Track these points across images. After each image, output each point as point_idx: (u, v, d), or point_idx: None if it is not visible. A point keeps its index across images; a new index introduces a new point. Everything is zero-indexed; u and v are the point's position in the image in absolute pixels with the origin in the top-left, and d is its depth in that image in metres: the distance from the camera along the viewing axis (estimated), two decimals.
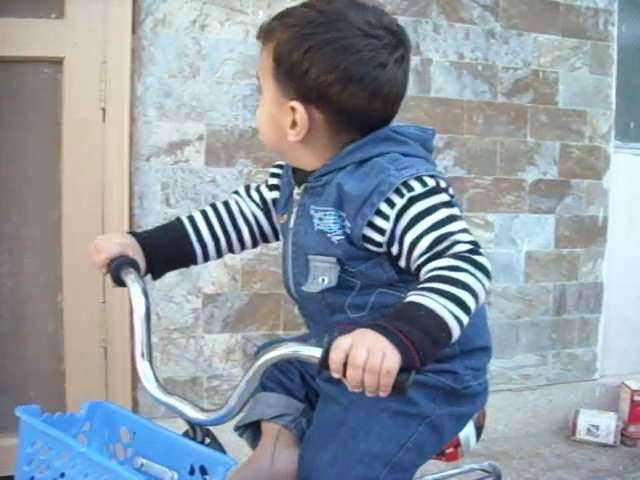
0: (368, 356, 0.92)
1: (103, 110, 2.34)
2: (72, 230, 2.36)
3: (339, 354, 0.94)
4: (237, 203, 1.44)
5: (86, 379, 2.40)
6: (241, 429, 1.44)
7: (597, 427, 2.99)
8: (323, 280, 1.22)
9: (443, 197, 1.15)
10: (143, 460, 1.13)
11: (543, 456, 2.87)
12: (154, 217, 2.40)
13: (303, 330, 2.55)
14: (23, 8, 2.27)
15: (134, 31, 2.35)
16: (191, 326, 2.50)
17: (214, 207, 1.43)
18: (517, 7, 2.87)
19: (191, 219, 1.41)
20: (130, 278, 1.23)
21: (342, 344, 0.94)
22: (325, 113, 1.19)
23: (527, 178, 2.95)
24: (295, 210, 1.28)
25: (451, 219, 1.12)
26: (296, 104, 1.18)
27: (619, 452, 2.95)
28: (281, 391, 1.41)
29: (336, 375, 0.95)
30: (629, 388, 3.08)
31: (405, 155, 1.20)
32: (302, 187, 1.27)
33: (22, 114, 2.34)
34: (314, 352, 0.97)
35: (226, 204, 1.44)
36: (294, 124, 1.19)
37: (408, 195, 1.13)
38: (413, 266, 1.13)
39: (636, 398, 3.05)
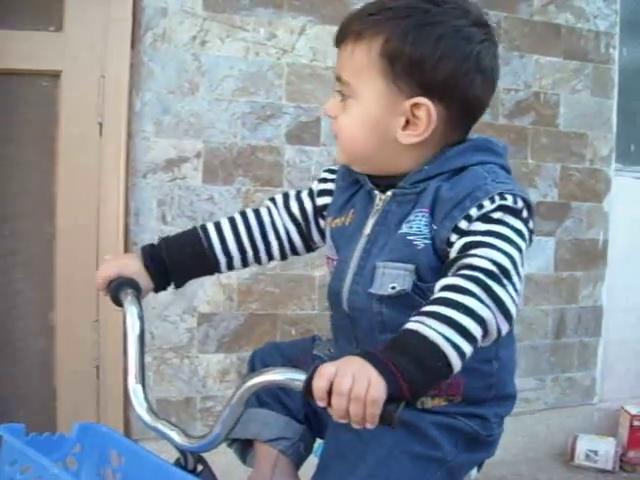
0: (353, 384, 0.87)
1: (100, 125, 2.32)
2: (66, 246, 2.32)
3: (323, 381, 0.89)
4: (270, 214, 1.35)
5: (78, 398, 2.36)
6: (230, 440, 1.36)
7: (596, 452, 2.95)
8: (393, 287, 1.12)
9: (520, 225, 1.08)
10: None
11: None
12: (150, 234, 2.37)
13: None
14: (22, 20, 2.25)
15: (133, 46, 2.33)
16: (185, 346, 2.46)
17: (244, 216, 1.35)
18: (519, 29, 2.87)
19: (217, 227, 1.33)
20: (127, 300, 1.20)
21: (326, 371, 0.90)
22: (449, 107, 1.12)
23: None
24: (375, 217, 1.19)
25: (509, 242, 1.05)
26: (422, 100, 1.10)
27: (618, 478, 2.92)
28: (280, 410, 1.33)
29: (321, 404, 0.90)
30: (628, 413, 3.05)
31: (502, 167, 1.16)
32: (388, 194, 1.18)
33: (18, 127, 2.31)
34: (298, 379, 0.93)
35: (257, 213, 1.35)
36: (407, 124, 1.12)
37: (499, 202, 1.07)
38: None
39: (635, 423, 3.02)
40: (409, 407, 0.91)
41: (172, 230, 2.35)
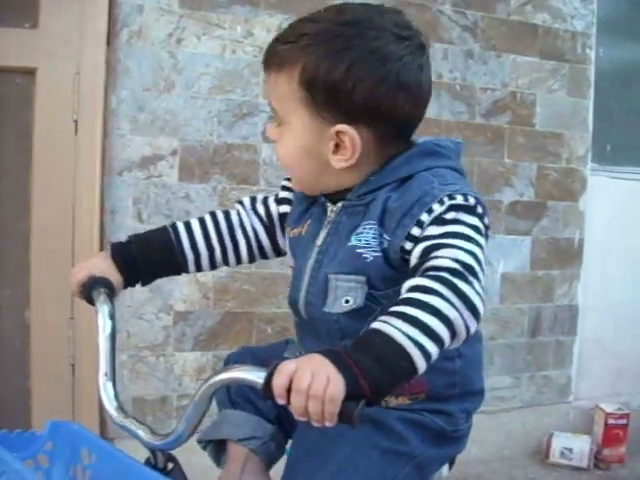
0: (312, 381, 0.87)
1: (75, 122, 2.30)
2: (41, 244, 2.31)
3: (282, 379, 0.89)
4: (238, 214, 1.37)
5: (53, 396, 2.35)
6: (204, 442, 1.38)
7: (571, 450, 2.97)
8: (347, 301, 1.14)
9: (476, 221, 1.08)
10: None
11: (517, 479, 2.85)
12: (125, 232, 2.32)
13: None
14: None
15: (109, 43, 2.32)
16: (161, 344, 2.45)
17: (213, 215, 1.37)
18: (496, 28, 2.88)
19: (187, 225, 1.34)
20: (99, 299, 1.21)
21: (286, 368, 0.89)
22: (375, 130, 1.12)
23: (504, 199, 2.94)
24: (327, 228, 1.21)
25: (469, 240, 1.04)
26: (344, 127, 1.10)
27: (593, 476, 2.94)
28: (251, 410, 1.35)
29: (280, 401, 0.90)
30: (603, 411, 3.07)
31: (451, 169, 1.16)
32: (339, 205, 1.19)
33: None
34: (258, 377, 0.92)
35: (226, 214, 1.37)
36: (337, 147, 1.13)
37: (449, 203, 1.07)
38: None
39: (610, 421, 3.04)
40: (371, 406, 0.90)
41: (148, 228, 2.35)
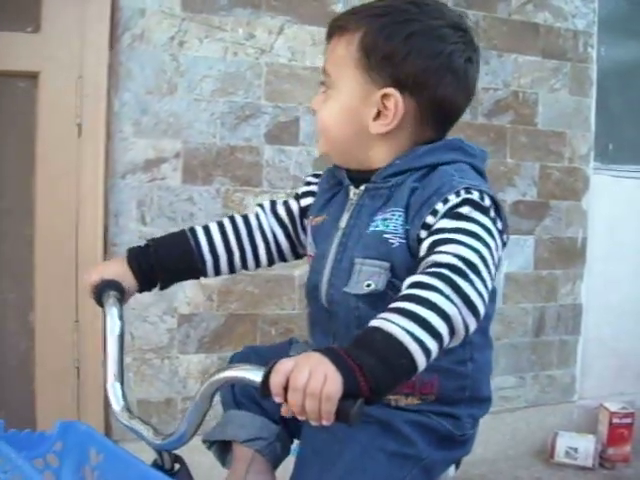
0: (309, 379, 0.87)
1: (79, 126, 2.31)
2: (45, 247, 2.31)
3: (279, 377, 0.89)
4: (257, 217, 1.40)
5: (57, 400, 2.35)
6: (209, 442, 1.39)
7: (576, 450, 2.97)
8: (369, 285, 1.15)
9: (488, 222, 1.09)
10: None
11: (522, 479, 2.85)
12: (129, 235, 2.36)
13: None
14: None
15: (111, 46, 2.32)
16: (166, 346, 2.46)
17: (232, 219, 1.40)
18: (498, 28, 2.88)
19: (206, 229, 1.37)
20: (108, 302, 1.23)
21: (284, 367, 0.89)
22: (418, 102, 1.17)
23: (507, 199, 2.94)
24: (350, 211, 1.23)
25: (477, 238, 1.04)
26: (391, 90, 1.15)
27: (598, 475, 2.93)
28: (256, 411, 1.35)
29: (277, 399, 0.89)
30: (608, 410, 3.07)
31: (473, 167, 1.19)
32: (362, 187, 1.23)
33: None
34: (256, 375, 0.92)
35: (245, 217, 1.40)
36: (378, 115, 1.17)
37: (464, 196, 1.09)
38: None
39: (615, 420, 3.04)
40: (369, 404, 0.89)
41: (152, 231, 2.37)
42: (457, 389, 1.23)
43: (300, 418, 0.90)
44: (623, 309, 3.23)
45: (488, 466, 2.85)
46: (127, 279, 1.29)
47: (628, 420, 3.04)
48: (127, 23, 2.33)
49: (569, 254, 3.10)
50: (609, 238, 3.19)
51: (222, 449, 1.39)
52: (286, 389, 0.88)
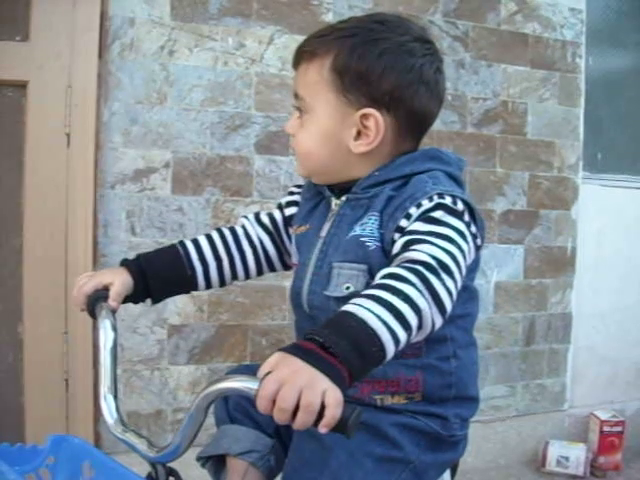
0: (301, 397, 0.85)
1: (67, 136, 2.29)
2: (34, 258, 2.29)
3: (265, 403, 0.86)
4: (243, 226, 1.44)
5: (46, 412, 2.33)
6: (204, 459, 1.39)
7: (567, 458, 2.97)
8: (348, 287, 1.17)
9: (461, 226, 1.12)
10: None
11: None
12: (119, 246, 2.35)
13: None
14: None
15: (101, 56, 2.31)
16: (156, 357, 2.44)
17: (219, 230, 1.43)
18: (487, 38, 2.89)
19: (194, 240, 1.40)
20: (101, 314, 1.22)
21: (267, 391, 0.86)
22: (396, 117, 1.20)
23: (496, 208, 2.95)
24: (331, 220, 1.26)
25: (450, 241, 1.07)
26: (369, 110, 1.18)
27: None
28: (249, 424, 1.36)
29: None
30: (598, 419, 3.07)
31: (449, 175, 1.21)
32: (343, 198, 1.25)
33: None
34: (252, 386, 0.90)
35: (231, 228, 1.44)
36: (359, 135, 1.20)
37: (437, 201, 1.12)
38: None
39: (605, 429, 3.05)
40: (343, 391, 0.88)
41: (141, 241, 2.36)
42: (442, 387, 1.24)
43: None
44: (613, 317, 3.24)
45: (479, 475, 2.85)
46: (125, 283, 1.29)
47: (619, 428, 3.05)
48: (116, 32, 2.32)
49: (559, 263, 3.10)
50: (598, 247, 3.20)
51: (217, 466, 1.39)
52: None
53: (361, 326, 0.93)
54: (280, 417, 0.86)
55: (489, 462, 2.96)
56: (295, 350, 0.90)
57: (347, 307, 0.96)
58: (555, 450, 2.98)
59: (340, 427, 0.86)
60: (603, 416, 3.08)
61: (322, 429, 0.86)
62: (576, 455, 2.96)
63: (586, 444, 3.03)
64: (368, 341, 0.92)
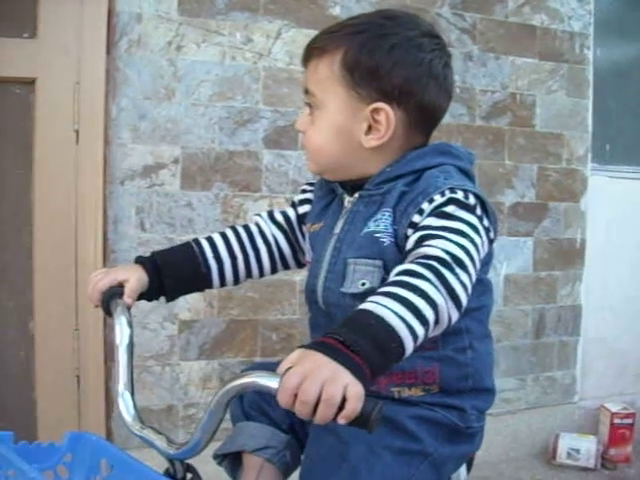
0: (322, 390, 0.85)
1: (76, 132, 2.29)
2: (44, 255, 2.30)
3: (287, 396, 0.86)
4: (257, 224, 1.44)
5: (58, 409, 2.33)
6: (220, 457, 1.39)
7: (578, 451, 2.96)
8: (364, 284, 1.18)
9: (474, 220, 1.12)
10: None
11: None
12: (128, 242, 2.35)
13: (281, 357, 2.52)
14: None
15: (108, 52, 2.31)
16: (166, 353, 2.44)
17: (233, 228, 1.43)
18: (494, 30, 2.88)
19: (209, 238, 1.40)
20: (117, 310, 1.22)
21: (290, 384, 0.86)
22: (406, 111, 1.20)
23: (505, 201, 2.94)
24: (344, 217, 1.26)
25: (463, 236, 1.08)
26: (380, 104, 1.18)
27: (600, 476, 2.93)
28: (264, 421, 1.36)
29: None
30: (608, 411, 3.07)
31: (459, 169, 1.22)
32: (356, 195, 1.25)
33: None
34: (273, 382, 0.89)
35: (245, 226, 1.44)
36: (369, 130, 1.20)
37: (449, 196, 1.13)
38: None
39: (616, 421, 3.04)
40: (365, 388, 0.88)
41: (151, 237, 2.36)
42: (459, 378, 1.24)
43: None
44: (622, 309, 3.23)
45: (490, 468, 2.85)
46: (141, 280, 1.29)
47: (629, 420, 3.04)
48: (124, 28, 2.32)
49: (568, 255, 3.09)
50: (607, 238, 3.19)
51: (233, 464, 1.39)
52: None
53: (380, 324, 0.93)
54: (302, 410, 0.86)
55: (500, 455, 2.96)
56: (317, 346, 0.90)
57: (364, 305, 0.96)
58: (565, 442, 2.98)
59: (362, 422, 0.86)
60: (614, 408, 3.07)
61: (340, 420, 0.86)
62: (587, 447, 2.96)
63: (596, 436, 3.03)
64: (387, 338, 0.93)
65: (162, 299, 1.36)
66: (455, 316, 1.03)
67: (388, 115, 1.18)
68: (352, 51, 1.18)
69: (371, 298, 0.97)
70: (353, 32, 1.20)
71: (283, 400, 0.87)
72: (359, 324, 0.93)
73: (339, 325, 0.94)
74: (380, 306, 0.95)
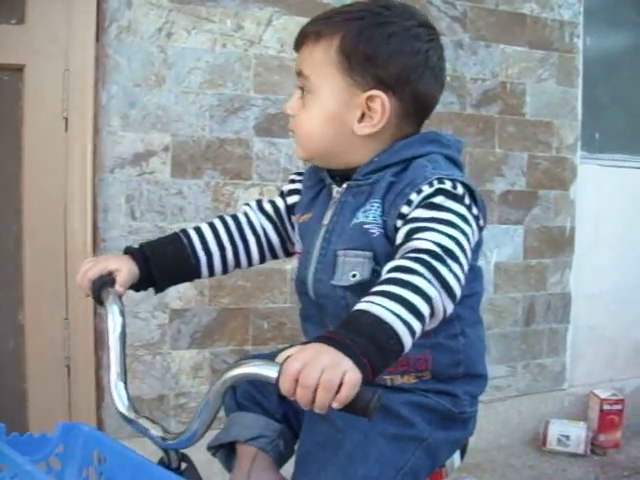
0: (322, 374, 0.85)
1: (65, 120, 2.27)
2: (34, 244, 2.28)
3: (289, 381, 0.87)
4: (246, 214, 1.42)
5: (49, 398, 2.32)
6: (214, 448, 1.39)
7: (568, 437, 2.99)
8: (354, 275, 1.17)
9: (463, 209, 1.12)
10: None
11: (515, 467, 2.87)
12: (118, 230, 2.33)
13: (272, 345, 2.52)
14: None
15: (98, 38, 2.29)
16: (157, 342, 2.43)
17: (221, 218, 1.41)
18: (485, 19, 2.88)
19: (197, 229, 1.38)
20: (108, 299, 1.21)
21: (292, 368, 0.87)
22: (401, 100, 1.19)
23: (495, 189, 2.94)
24: (333, 208, 1.25)
25: (453, 227, 1.08)
26: (376, 92, 1.18)
27: (590, 461, 2.96)
28: (257, 411, 1.36)
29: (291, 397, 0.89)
30: (598, 397, 3.09)
31: (447, 158, 1.21)
32: (344, 185, 1.25)
33: None
34: (271, 371, 0.90)
35: (234, 216, 1.42)
36: (362, 117, 1.19)
37: (437, 186, 1.12)
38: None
39: (605, 407, 3.07)
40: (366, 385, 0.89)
41: (141, 226, 2.35)
42: (451, 364, 1.25)
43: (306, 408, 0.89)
44: (611, 296, 3.25)
45: (481, 455, 2.86)
46: (132, 271, 1.28)
47: (618, 407, 3.08)
48: (114, 15, 2.30)
49: (558, 243, 3.11)
50: (596, 226, 3.21)
51: (227, 454, 1.38)
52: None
53: (377, 322, 0.93)
54: (303, 396, 0.86)
55: (490, 442, 2.97)
56: (316, 340, 0.91)
57: (359, 306, 0.96)
58: (556, 429, 3.01)
59: (361, 410, 0.87)
60: (603, 394, 3.10)
61: (334, 404, 0.86)
62: (576, 434, 2.98)
63: (586, 422, 3.06)
64: (385, 336, 0.93)
65: (150, 290, 1.35)
66: (450, 308, 1.03)
67: (383, 103, 1.17)
68: (350, 37, 1.17)
69: (366, 298, 0.97)
70: (351, 18, 1.19)
71: (285, 386, 0.87)
72: (356, 324, 0.94)
73: (336, 327, 0.94)
74: (375, 305, 0.95)
